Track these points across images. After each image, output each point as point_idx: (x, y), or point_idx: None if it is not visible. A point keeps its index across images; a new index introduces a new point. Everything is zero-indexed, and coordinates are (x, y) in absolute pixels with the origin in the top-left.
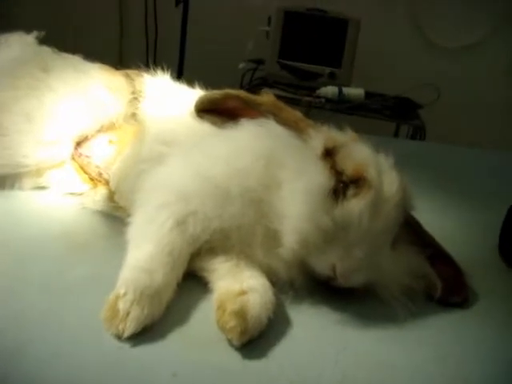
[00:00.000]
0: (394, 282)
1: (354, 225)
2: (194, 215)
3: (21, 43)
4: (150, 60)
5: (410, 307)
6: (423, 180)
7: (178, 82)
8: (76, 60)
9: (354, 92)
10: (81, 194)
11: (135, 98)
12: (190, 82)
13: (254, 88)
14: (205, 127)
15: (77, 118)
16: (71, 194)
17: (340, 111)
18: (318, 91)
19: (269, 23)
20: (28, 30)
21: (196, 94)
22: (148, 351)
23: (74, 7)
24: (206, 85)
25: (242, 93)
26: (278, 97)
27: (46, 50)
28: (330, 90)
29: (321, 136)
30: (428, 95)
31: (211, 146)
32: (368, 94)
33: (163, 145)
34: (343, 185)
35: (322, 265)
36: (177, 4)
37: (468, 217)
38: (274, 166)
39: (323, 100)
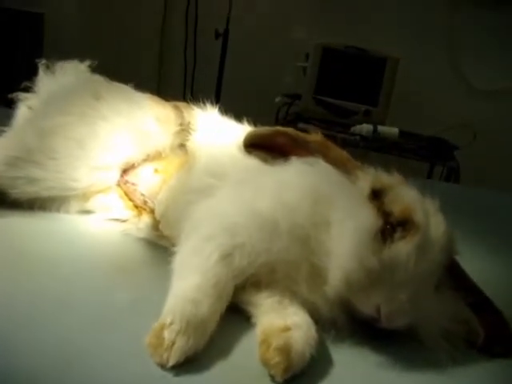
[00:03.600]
0: (436, 326)
1: (400, 267)
2: (241, 248)
3: (75, 71)
4: (187, 91)
5: (451, 352)
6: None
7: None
8: (127, 89)
9: (389, 131)
10: (124, 221)
11: (183, 130)
12: (226, 113)
13: (289, 122)
14: (254, 162)
15: (125, 146)
16: (115, 219)
17: (374, 149)
18: (352, 128)
19: (307, 59)
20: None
21: (245, 129)
22: (190, 381)
23: (115, 41)
24: (241, 117)
25: (292, 130)
26: None
27: (99, 78)
28: (364, 128)
29: (368, 177)
30: (464, 137)
31: (260, 180)
32: (403, 134)
33: (212, 177)
34: (390, 226)
35: (367, 305)
36: (217, 37)
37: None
38: (322, 204)
39: (357, 137)
